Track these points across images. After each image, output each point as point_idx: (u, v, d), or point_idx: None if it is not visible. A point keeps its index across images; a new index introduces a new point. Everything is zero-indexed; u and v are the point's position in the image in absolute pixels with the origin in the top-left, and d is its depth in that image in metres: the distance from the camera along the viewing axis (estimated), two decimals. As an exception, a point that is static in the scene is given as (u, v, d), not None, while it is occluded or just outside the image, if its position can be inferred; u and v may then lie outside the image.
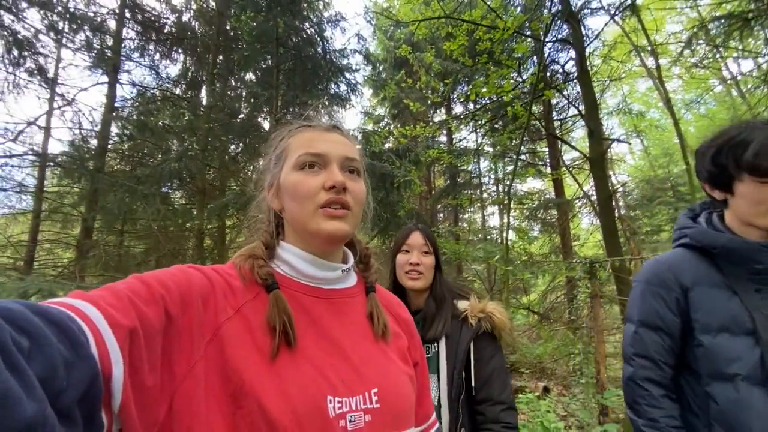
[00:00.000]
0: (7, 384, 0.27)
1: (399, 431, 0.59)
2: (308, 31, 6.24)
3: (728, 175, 0.94)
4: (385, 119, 11.51)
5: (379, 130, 8.01)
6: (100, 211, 4.83)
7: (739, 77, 11.38)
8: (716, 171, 0.96)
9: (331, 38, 7.10)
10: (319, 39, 6.26)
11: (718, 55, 9.19)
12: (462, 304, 1.24)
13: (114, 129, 5.91)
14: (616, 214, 6.19)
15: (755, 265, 0.92)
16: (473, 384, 1.13)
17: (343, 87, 6.74)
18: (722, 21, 4.72)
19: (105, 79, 5.71)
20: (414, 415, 0.66)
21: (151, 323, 0.43)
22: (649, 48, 6.98)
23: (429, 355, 1.18)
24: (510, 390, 1.16)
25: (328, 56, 6.24)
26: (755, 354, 0.88)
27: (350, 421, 0.53)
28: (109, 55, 5.61)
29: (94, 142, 5.66)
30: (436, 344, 1.18)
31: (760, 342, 0.88)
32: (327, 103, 6.57)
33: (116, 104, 5.83)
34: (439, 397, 1.15)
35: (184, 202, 7.14)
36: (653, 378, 1.00)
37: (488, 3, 5.55)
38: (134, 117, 5.99)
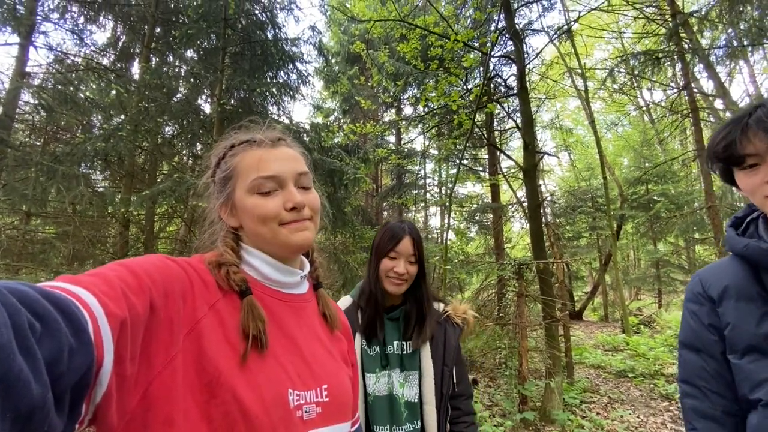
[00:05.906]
0: (20, 367, 0.28)
1: (341, 422, 0.67)
2: (259, 15, 5.97)
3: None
4: (335, 113, 11.40)
5: (330, 124, 7.93)
6: (3, 189, 4.22)
7: (650, 105, 13.03)
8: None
9: (283, 25, 6.86)
10: (270, 25, 6.02)
11: (635, 84, 10.42)
12: (437, 306, 1.28)
13: (27, 98, 5.20)
14: (543, 221, 6.77)
15: None
16: (454, 380, 1.20)
17: (293, 76, 6.56)
18: (639, 57, 5.40)
19: (16, 39, 4.99)
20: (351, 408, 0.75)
21: (138, 314, 0.44)
22: (580, 71, 7.74)
23: (407, 353, 1.19)
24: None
25: (279, 44, 6.03)
26: None
27: (306, 412, 0.60)
28: (21, 12, 4.90)
29: (-1, 109, 4.92)
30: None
31: None
32: (275, 91, 6.35)
33: (27, 69, 5.12)
34: (420, 393, 1.15)
35: (107, 184, 6.48)
36: (698, 408, 0.85)
37: (440, 12, 5.75)
38: (50, 85, 5.31)
